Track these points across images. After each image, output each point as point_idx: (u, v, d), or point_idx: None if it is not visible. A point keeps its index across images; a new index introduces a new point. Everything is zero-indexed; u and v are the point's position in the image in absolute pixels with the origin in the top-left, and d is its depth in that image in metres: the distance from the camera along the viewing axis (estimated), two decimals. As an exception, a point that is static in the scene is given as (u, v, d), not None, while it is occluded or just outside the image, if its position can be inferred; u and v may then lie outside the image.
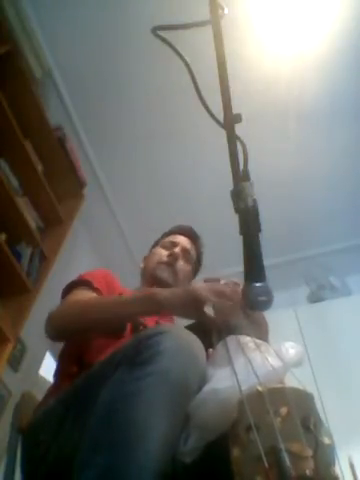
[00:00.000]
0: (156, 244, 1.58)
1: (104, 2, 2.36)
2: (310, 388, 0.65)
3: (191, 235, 1.58)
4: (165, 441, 0.74)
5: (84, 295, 1.23)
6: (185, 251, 1.52)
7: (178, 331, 0.88)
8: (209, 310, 0.97)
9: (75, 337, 1.19)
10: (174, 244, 1.52)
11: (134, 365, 0.82)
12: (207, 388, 0.77)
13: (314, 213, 3.18)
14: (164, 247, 1.52)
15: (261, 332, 1.12)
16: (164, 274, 1.43)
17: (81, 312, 1.15)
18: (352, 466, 0.52)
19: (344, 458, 0.57)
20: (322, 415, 0.63)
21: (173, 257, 1.47)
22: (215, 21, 0.80)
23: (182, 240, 1.54)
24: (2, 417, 1.89)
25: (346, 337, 2.77)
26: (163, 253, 1.49)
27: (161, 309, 1.05)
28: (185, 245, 1.53)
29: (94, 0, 2.36)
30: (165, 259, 1.46)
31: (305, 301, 3.39)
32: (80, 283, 1.28)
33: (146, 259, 1.56)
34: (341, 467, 0.56)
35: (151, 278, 1.45)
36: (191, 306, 1.00)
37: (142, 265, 1.55)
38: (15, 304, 2.02)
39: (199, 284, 1.06)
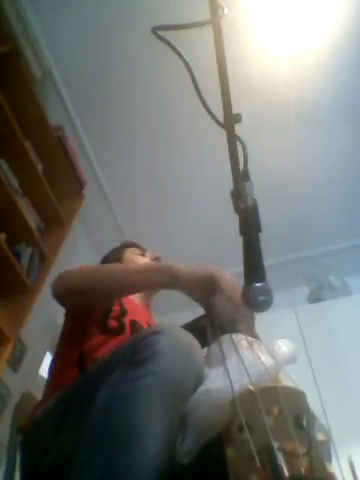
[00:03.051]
0: (121, 254, 1.59)
1: (104, 2, 2.36)
2: (310, 388, 0.65)
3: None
4: (163, 441, 0.74)
5: None
6: None
7: (175, 331, 0.88)
8: (215, 302, 0.99)
9: (84, 300, 1.19)
10: (144, 252, 1.61)
11: (131, 365, 0.82)
12: (201, 388, 0.77)
13: (314, 213, 3.18)
14: (139, 254, 1.58)
15: (249, 324, 1.13)
16: None
17: (95, 271, 1.17)
18: (352, 466, 0.52)
19: (344, 458, 0.56)
20: (322, 415, 0.63)
21: (158, 260, 1.56)
22: (215, 21, 0.79)
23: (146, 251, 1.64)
24: (2, 417, 1.90)
25: (346, 337, 2.77)
26: (144, 258, 1.56)
27: (175, 283, 1.07)
28: None
29: (94, 0, 2.37)
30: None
31: (305, 301, 3.39)
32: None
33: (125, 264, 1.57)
34: (341, 466, 0.55)
35: None
36: (204, 287, 1.01)
37: None
38: (15, 304, 2.02)
39: (219, 270, 1.07)
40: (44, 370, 2.34)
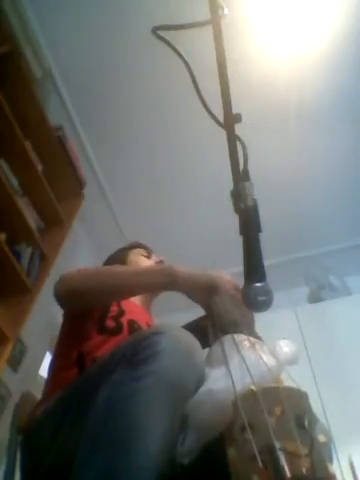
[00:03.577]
0: (125, 255, 1.59)
1: (104, 2, 2.36)
2: (310, 388, 0.65)
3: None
4: (163, 441, 0.74)
5: None
6: None
7: (176, 331, 0.88)
8: (216, 302, 0.99)
9: (85, 302, 1.19)
10: (150, 254, 1.60)
11: (132, 365, 0.82)
12: (203, 389, 0.77)
13: (314, 213, 3.18)
14: (143, 256, 1.58)
15: (248, 323, 1.13)
16: None
17: (96, 274, 1.18)
18: (352, 465, 0.52)
19: (344, 458, 0.56)
20: (322, 415, 0.63)
21: (162, 263, 1.56)
22: (215, 21, 0.79)
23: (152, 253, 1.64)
24: (2, 417, 1.90)
25: (346, 337, 2.77)
26: (149, 261, 1.56)
27: (174, 284, 1.07)
28: None
29: (94, 0, 2.36)
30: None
31: (305, 301, 3.39)
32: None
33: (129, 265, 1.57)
34: (341, 466, 0.55)
35: None
36: (204, 290, 1.01)
37: None
38: (15, 304, 2.02)
39: (219, 272, 1.07)
40: (44, 370, 2.34)
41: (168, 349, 0.82)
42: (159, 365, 0.80)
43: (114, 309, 1.28)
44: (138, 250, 1.60)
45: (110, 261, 1.60)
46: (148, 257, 1.57)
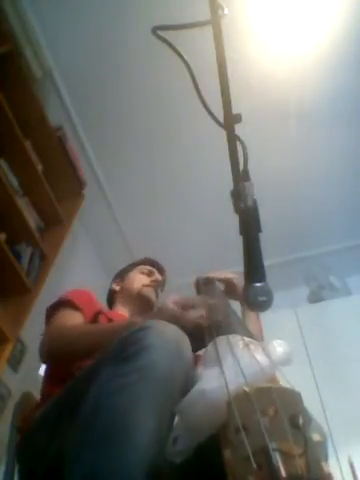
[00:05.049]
0: (128, 271, 1.66)
1: (104, 2, 2.36)
2: (310, 388, 0.65)
3: (160, 268, 1.69)
4: (152, 436, 0.75)
5: (71, 317, 1.30)
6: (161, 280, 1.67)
7: (162, 326, 0.88)
8: (193, 314, 1.01)
9: (66, 361, 1.25)
10: (151, 272, 1.64)
11: (119, 361, 0.83)
12: (196, 389, 0.76)
13: (314, 213, 3.18)
14: (142, 273, 1.63)
15: (253, 329, 1.14)
16: (152, 295, 1.56)
17: (76, 339, 1.19)
18: (352, 466, 0.52)
19: (344, 458, 0.56)
20: (322, 415, 0.63)
21: (157, 283, 1.61)
22: (215, 21, 0.79)
23: (155, 271, 1.67)
24: (2, 417, 1.90)
25: (346, 337, 2.77)
26: (145, 279, 1.60)
27: None
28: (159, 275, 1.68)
29: (94, 0, 2.37)
30: (149, 283, 1.59)
31: (305, 301, 3.39)
32: (62, 304, 1.35)
33: (124, 282, 1.62)
34: (341, 467, 0.55)
35: (138, 298, 1.55)
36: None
37: (118, 287, 1.62)
38: (15, 304, 2.02)
39: (164, 302, 1.11)
40: (44, 370, 2.34)
41: (155, 343, 0.82)
42: (147, 360, 0.80)
43: (102, 321, 1.33)
44: (142, 267, 1.65)
45: (117, 276, 1.67)
46: (148, 275, 1.61)
